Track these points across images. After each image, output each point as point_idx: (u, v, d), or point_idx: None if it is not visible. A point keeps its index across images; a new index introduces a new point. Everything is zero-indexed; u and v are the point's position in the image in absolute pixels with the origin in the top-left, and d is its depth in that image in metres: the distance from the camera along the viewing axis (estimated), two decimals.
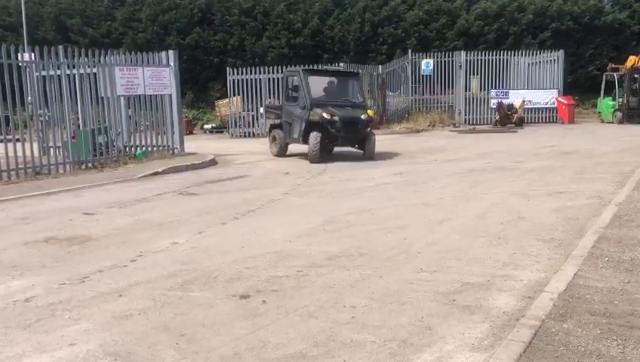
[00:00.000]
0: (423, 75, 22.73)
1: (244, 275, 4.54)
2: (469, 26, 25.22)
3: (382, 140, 16.75)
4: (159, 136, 13.12)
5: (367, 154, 12.26)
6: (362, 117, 12.11)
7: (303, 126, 12.06)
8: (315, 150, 11.76)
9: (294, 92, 12.64)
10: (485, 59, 22.04)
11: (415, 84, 22.91)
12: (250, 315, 3.72)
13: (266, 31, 25.09)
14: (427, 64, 22.58)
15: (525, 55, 22.41)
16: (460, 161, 11.57)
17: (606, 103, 21.52)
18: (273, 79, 19.38)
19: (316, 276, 4.49)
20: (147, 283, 4.39)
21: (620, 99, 20.70)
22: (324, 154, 12.03)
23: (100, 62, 11.66)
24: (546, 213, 6.62)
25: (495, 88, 21.93)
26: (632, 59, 22.38)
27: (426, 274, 4.48)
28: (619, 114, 20.67)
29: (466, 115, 22.23)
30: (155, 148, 12.95)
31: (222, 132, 21.20)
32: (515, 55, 22.35)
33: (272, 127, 13.69)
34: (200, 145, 15.54)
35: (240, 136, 19.76)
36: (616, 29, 25.41)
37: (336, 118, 11.70)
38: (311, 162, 11.71)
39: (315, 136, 11.69)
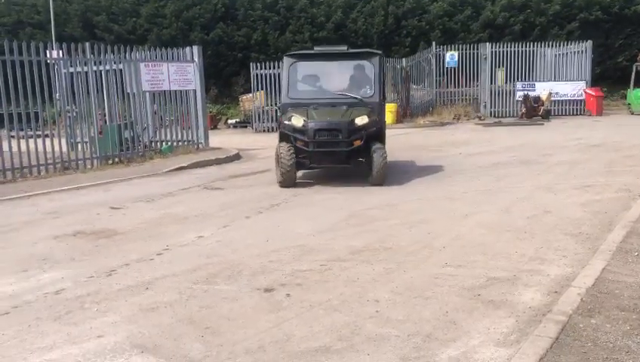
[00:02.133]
0: (447, 68, 22.49)
1: (268, 269, 4.57)
2: (494, 17, 24.85)
3: (406, 133, 16.69)
4: (184, 131, 13.24)
5: (373, 178, 8.20)
6: (357, 121, 8.12)
7: (279, 134, 8.83)
8: (285, 169, 8.13)
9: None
10: (511, 51, 21.71)
11: (439, 76, 22.68)
12: (274, 309, 3.75)
13: (289, 25, 25.09)
14: (452, 56, 22.33)
15: (552, 46, 21.99)
16: (485, 155, 11.44)
17: (636, 94, 21.03)
18: None
19: (340, 270, 4.49)
20: (173, 277, 4.45)
21: None
22: (293, 177, 8.32)
23: (125, 58, 11.80)
24: (573, 206, 6.52)
25: (521, 80, 21.59)
26: None
27: (450, 269, 4.46)
28: None
29: (491, 107, 21.94)
30: (180, 143, 13.08)
31: (246, 126, 21.30)
32: (541, 46, 21.94)
33: None
34: (224, 139, 15.65)
35: (264, 130, 19.83)
36: None
37: (308, 126, 8.12)
38: (280, 186, 8.35)
39: (286, 150, 8.14)
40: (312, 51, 9.38)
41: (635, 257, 4.43)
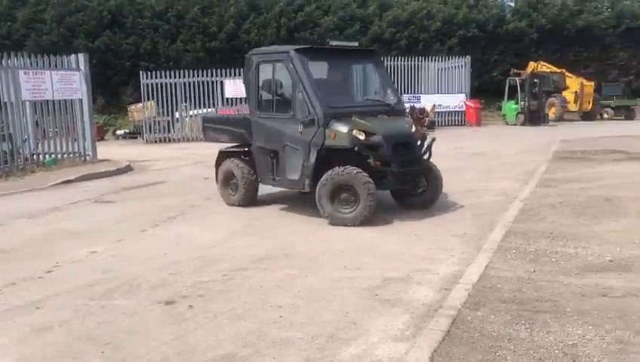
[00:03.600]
0: None
1: (168, 282, 4.49)
2: (382, 32, 25.97)
3: None
4: (70, 143, 12.56)
5: (434, 200, 7.11)
6: (413, 131, 6.83)
7: (314, 157, 6.54)
8: (373, 201, 6.18)
9: (278, 94, 6.98)
10: (398, 65, 22.74)
11: None
12: (176, 321, 3.70)
13: (180, 34, 24.62)
14: None
15: (435, 60, 23.34)
16: None
17: (509, 106, 22.82)
18: (189, 83, 19.10)
19: (242, 279, 4.51)
20: (66, 294, 4.24)
21: (522, 103, 22.04)
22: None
23: (1, 65, 11.01)
24: (458, 209, 6.99)
25: (407, 93, 22.67)
26: (531, 65, 23.97)
27: (349, 272, 4.63)
28: (521, 116, 22.00)
29: None
30: (65, 156, 12.38)
31: (135, 138, 20.57)
32: (425, 60, 23.21)
33: (223, 155, 7.82)
34: (113, 151, 15.01)
35: (155, 141, 19.27)
36: (517, 37, 27.06)
37: (376, 139, 6.34)
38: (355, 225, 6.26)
39: (367, 177, 6.20)
40: (322, 47, 7.77)
41: (513, 254, 4.85)
